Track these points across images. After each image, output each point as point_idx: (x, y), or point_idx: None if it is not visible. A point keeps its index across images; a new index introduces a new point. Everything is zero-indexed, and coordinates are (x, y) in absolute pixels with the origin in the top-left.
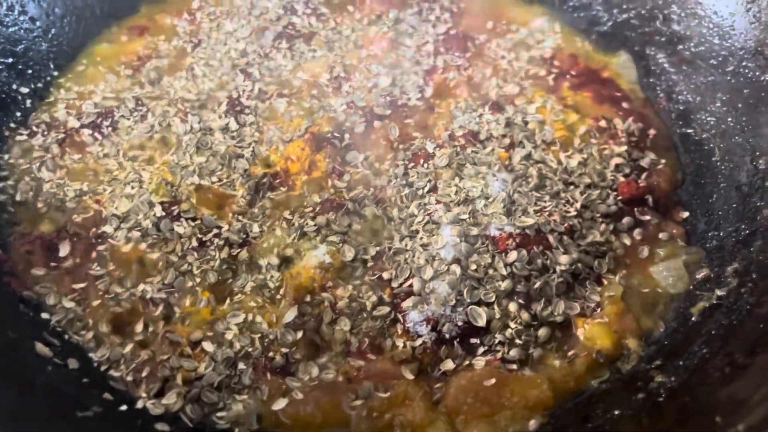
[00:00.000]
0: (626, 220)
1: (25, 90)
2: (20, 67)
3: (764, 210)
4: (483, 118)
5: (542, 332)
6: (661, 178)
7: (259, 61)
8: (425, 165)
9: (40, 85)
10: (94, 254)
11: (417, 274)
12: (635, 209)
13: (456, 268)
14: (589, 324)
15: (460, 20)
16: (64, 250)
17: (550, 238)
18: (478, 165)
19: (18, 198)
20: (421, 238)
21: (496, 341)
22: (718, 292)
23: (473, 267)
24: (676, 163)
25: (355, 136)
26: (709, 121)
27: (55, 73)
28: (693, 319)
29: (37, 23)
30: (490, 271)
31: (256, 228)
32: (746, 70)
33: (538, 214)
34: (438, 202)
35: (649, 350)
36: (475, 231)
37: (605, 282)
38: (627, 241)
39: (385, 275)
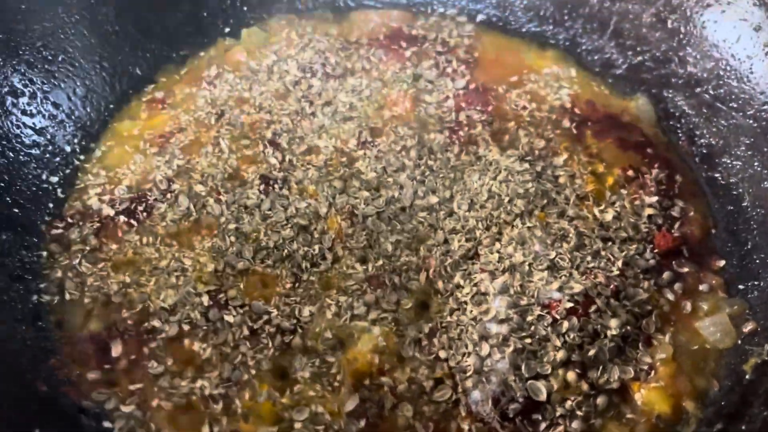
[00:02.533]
0: (666, 274)
1: (54, 179)
2: (47, 155)
3: None
4: (514, 177)
5: (601, 401)
6: (693, 226)
7: (285, 129)
8: (464, 229)
9: (68, 171)
10: (146, 351)
11: (474, 351)
12: (672, 262)
13: (512, 342)
14: (645, 388)
15: (477, 71)
16: (116, 350)
17: (598, 301)
18: (516, 227)
19: (67, 297)
20: (471, 311)
21: (557, 414)
22: None
23: (528, 340)
24: (706, 210)
25: (390, 204)
26: (735, 165)
27: (82, 157)
28: (747, 377)
29: (60, 108)
30: (545, 343)
31: (306, 312)
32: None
33: (584, 277)
34: (482, 270)
35: (708, 412)
36: (524, 301)
37: (655, 343)
38: (671, 297)
39: (442, 354)
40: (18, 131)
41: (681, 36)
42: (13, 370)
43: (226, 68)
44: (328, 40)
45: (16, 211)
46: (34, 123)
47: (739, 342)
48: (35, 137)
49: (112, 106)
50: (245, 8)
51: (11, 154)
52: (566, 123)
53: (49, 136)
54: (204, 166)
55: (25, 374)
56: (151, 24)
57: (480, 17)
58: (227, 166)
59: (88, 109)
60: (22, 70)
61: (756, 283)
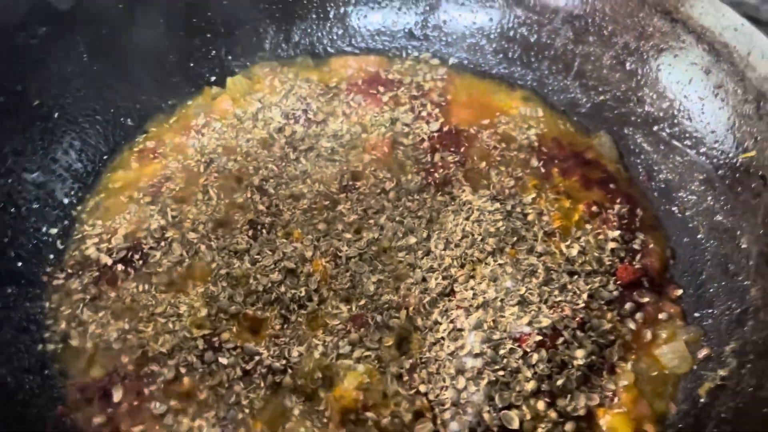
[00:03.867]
0: (628, 305)
1: (53, 231)
2: (47, 208)
3: (752, 290)
4: (486, 216)
5: (569, 427)
6: (653, 258)
7: (272, 175)
8: (440, 268)
9: (66, 223)
10: (147, 393)
11: (451, 384)
12: (634, 292)
13: (485, 375)
14: (609, 414)
15: (449, 114)
16: (117, 394)
17: (566, 334)
18: (489, 265)
19: (71, 344)
20: (448, 347)
21: None
22: (721, 372)
23: (500, 372)
24: (664, 242)
25: (371, 245)
26: (690, 199)
27: (79, 208)
28: (702, 400)
29: (58, 162)
30: (516, 374)
31: (294, 353)
32: (718, 152)
33: (552, 311)
34: (458, 307)
35: None
36: (497, 335)
37: (618, 370)
38: (632, 326)
39: (422, 388)
40: (19, 187)
41: (638, 77)
42: (23, 420)
43: (214, 117)
44: (309, 86)
45: (19, 264)
46: (34, 178)
47: (695, 367)
48: (35, 191)
49: (105, 157)
50: (230, 57)
51: (13, 209)
52: (534, 162)
53: (48, 190)
54: (195, 214)
55: (36, 423)
56: (141, 75)
57: (452, 60)
58: (216, 212)
59: (84, 162)
60: (21, 129)
61: (710, 311)
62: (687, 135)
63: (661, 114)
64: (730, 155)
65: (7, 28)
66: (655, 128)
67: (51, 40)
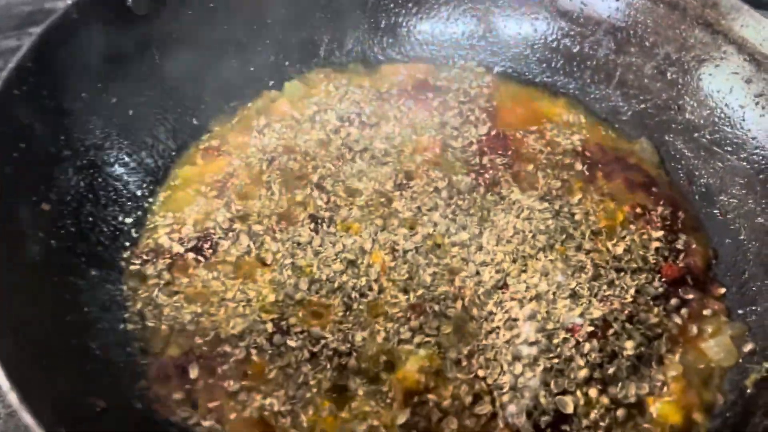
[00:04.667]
0: (674, 301)
1: (128, 220)
2: (122, 199)
3: None
4: (535, 215)
5: (620, 413)
6: (696, 257)
7: (329, 174)
8: (493, 262)
9: (139, 213)
10: (220, 372)
11: (508, 370)
12: (679, 289)
13: (541, 362)
14: (659, 402)
15: (496, 119)
16: (193, 372)
17: (615, 325)
18: (540, 260)
19: (150, 324)
20: (504, 335)
21: (583, 425)
22: (766, 365)
23: (555, 360)
24: (706, 242)
25: (426, 240)
26: (731, 202)
27: (150, 200)
28: (749, 391)
29: (132, 156)
30: (570, 362)
31: (358, 337)
32: (759, 158)
33: (602, 304)
34: (512, 298)
35: (715, 423)
36: (550, 325)
37: (666, 362)
38: (678, 321)
39: (480, 373)
40: (100, 179)
41: (679, 86)
42: (116, 390)
43: (273, 118)
44: (362, 92)
45: (100, 249)
46: (112, 171)
47: (740, 360)
48: (113, 183)
49: (173, 153)
50: (287, 63)
51: (94, 198)
52: (579, 165)
53: (123, 182)
54: (259, 208)
55: (125, 393)
56: (207, 78)
57: (497, 69)
58: (279, 207)
59: (155, 157)
60: (102, 125)
61: (753, 308)
62: (727, 141)
63: (702, 121)
64: None
65: (91, 31)
66: (696, 135)
67: (129, 43)
